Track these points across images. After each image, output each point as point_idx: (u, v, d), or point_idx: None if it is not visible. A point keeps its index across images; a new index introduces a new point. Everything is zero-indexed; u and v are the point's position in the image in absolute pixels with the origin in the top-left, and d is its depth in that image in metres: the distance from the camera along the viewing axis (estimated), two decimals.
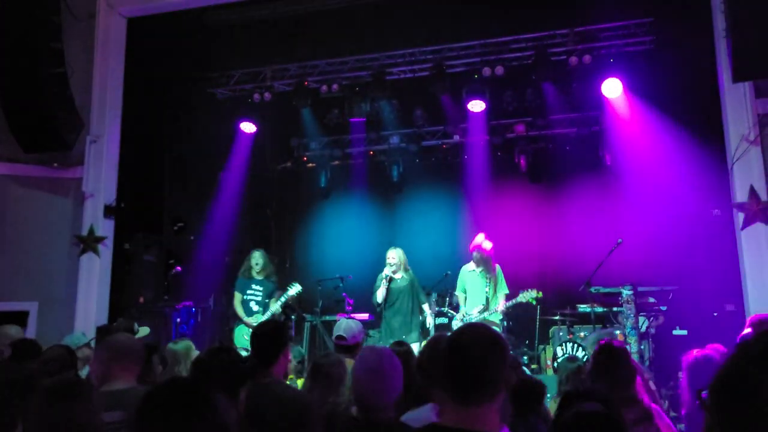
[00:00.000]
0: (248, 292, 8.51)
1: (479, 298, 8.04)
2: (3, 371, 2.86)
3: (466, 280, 8.27)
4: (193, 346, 4.76)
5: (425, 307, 8.48)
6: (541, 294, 7.81)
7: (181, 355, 4.55)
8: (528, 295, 7.83)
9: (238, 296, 8.57)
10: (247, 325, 8.30)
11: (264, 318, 8.14)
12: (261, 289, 8.50)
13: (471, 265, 8.27)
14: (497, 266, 8.18)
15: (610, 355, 3.46)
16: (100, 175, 8.29)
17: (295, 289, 8.35)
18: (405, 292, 8.27)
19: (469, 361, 1.87)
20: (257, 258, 8.55)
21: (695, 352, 3.86)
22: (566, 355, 7.59)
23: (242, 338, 8.30)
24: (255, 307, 8.43)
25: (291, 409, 2.43)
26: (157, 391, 1.50)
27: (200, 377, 3.00)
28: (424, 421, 2.66)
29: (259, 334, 3.49)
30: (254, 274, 8.52)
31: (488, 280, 7.99)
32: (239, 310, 8.49)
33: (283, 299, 8.41)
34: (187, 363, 4.31)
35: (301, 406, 2.47)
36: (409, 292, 8.29)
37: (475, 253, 8.11)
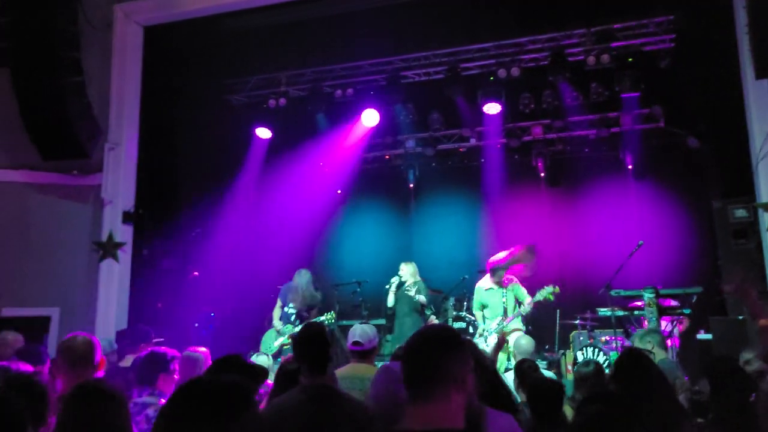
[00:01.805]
0: (290, 305, 8.63)
1: (498, 311, 8.00)
2: (15, 378, 2.87)
3: (483, 298, 8.25)
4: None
5: (432, 318, 8.73)
6: (558, 289, 7.70)
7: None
8: (545, 292, 7.73)
9: (279, 304, 8.73)
10: (278, 332, 8.49)
11: (292, 330, 8.33)
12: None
13: (486, 283, 8.25)
14: (513, 277, 8.16)
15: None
16: (119, 182, 8.34)
17: (327, 317, 8.38)
18: (410, 301, 8.50)
19: (415, 357, 1.88)
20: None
21: None
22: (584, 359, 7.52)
23: (270, 343, 8.44)
24: (292, 318, 8.56)
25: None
26: (194, 386, 1.44)
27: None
28: None
29: (307, 338, 3.42)
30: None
31: (504, 292, 7.98)
32: (275, 316, 8.63)
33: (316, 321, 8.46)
34: None
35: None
36: (413, 301, 8.51)
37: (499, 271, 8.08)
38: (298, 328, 8.33)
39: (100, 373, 3.36)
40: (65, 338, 3.42)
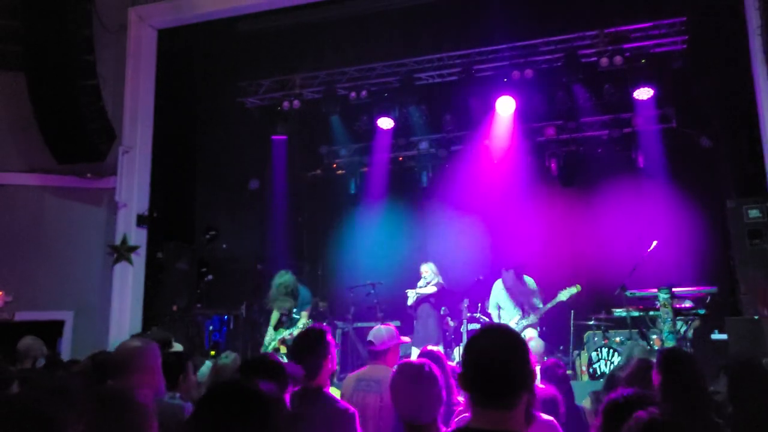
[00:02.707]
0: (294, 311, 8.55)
1: (514, 311, 8.04)
2: (46, 379, 2.90)
3: (499, 296, 8.27)
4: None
5: (448, 320, 8.78)
6: (580, 287, 7.69)
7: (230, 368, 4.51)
8: (567, 293, 7.75)
9: (275, 312, 8.58)
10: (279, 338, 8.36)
11: (288, 332, 8.12)
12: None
13: (501, 283, 8.36)
14: (529, 278, 8.16)
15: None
16: (133, 185, 8.41)
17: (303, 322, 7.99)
18: (429, 301, 8.50)
19: (492, 361, 1.86)
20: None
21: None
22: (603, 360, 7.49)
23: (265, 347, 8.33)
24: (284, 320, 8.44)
25: None
26: (221, 390, 1.46)
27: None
28: None
29: (299, 342, 3.47)
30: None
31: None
32: (273, 319, 8.50)
33: (301, 324, 8.03)
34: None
35: None
36: (433, 300, 8.52)
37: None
38: (288, 333, 8.09)
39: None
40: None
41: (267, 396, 1.43)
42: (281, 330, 8.11)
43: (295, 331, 7.72)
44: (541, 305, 8.00)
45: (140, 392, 2.53)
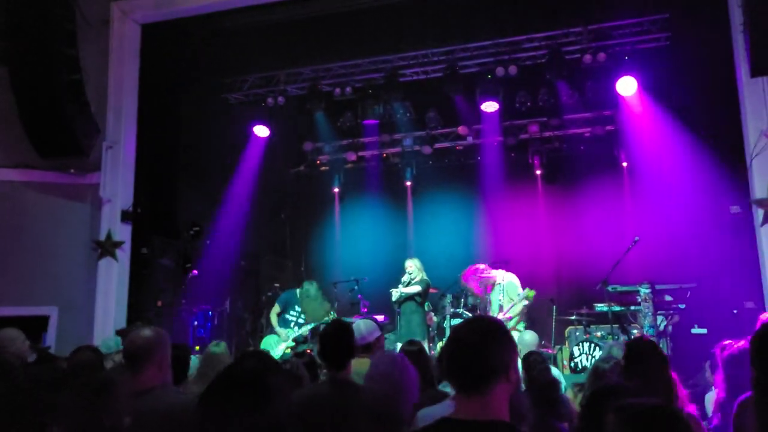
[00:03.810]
0: (291, 312, 8.70)
1: (494, 307, 8.07)
2: (33, 371, 2.88)
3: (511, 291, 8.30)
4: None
5: (431, 315, 8.84)
6: (534, 292, 7.75)
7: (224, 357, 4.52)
8: (525, 296, 7.77)
9: (276, 308, 8.80)
10: (280, 336, 8.58)
11: (295, 334, 8.50)
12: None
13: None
14: (511, 275, 8.18)
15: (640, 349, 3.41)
16: (117, 181, 8.34)
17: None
18: (413, 297, 8.52)
19: (466, 347, 1.88)
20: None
21: (730, 344, 3.74)
22: (584, 355, 7.58)
23: (271, 347, 8.46)
24: (291, 324, 8.66)
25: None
26: (224, 378, 1.48)
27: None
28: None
29: (330, 334, 3.50)
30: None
31: (500, 288, 8.04)
32: (273, 321, 8.74)
33: (312, 325, 8.54)
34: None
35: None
36: (417, 297, 8.54)
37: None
38: (298, 333, 8.43)
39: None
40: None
41: (274, 385, 1.45)
42: (290, 330, 8.53)
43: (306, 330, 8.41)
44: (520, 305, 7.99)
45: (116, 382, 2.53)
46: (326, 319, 8.42)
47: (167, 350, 2.89)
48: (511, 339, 1.94)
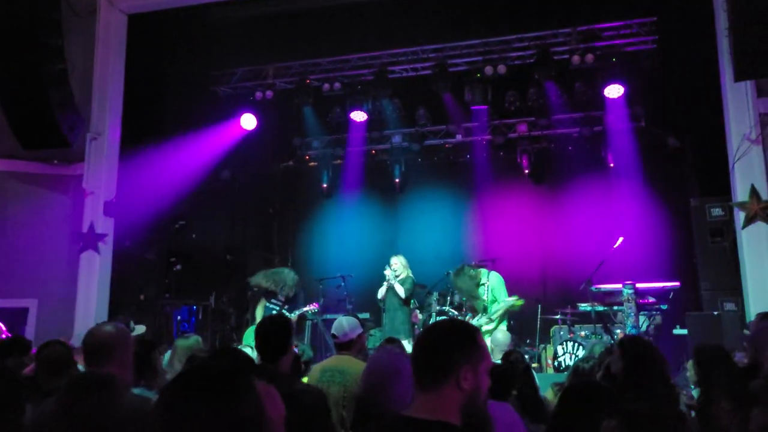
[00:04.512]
0: (273, 300, 8.73)
1: (479, 307, 8.06)
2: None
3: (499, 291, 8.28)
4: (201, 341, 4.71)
5: (416, 312, 8.83)
6: (523, 301, 7.77)
7: (194, 350, 4.46)
8: (511, 303, 7.78)
9: (262, 301, 8.79)
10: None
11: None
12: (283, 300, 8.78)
13: None
14: (496, 274, 8.16)
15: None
16: (101, 172, 8.29)
17: (310, 310, 8.61)
18: (395, 292, 8.43)
19: (422, 346, 1.92)
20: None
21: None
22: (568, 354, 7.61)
23: (253, 338, 8.42)
24: (274, 313, 8.61)
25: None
26: (190, 374, 1.43)
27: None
28: None
29: (262, 328, 3.50)
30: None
31: (485, 290, 8.01)
32: (258, 314, 8.72)
33: (297, 312, 8.58)
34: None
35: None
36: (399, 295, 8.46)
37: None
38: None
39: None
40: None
41: (240, 379, 1.40)
42: None
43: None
44: (491, 308, 7.99)
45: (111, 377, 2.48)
46: (311, 311, 8.52)
47: (129, 349, 2.82)
48: (469, 343, 1.90)
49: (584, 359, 4.66)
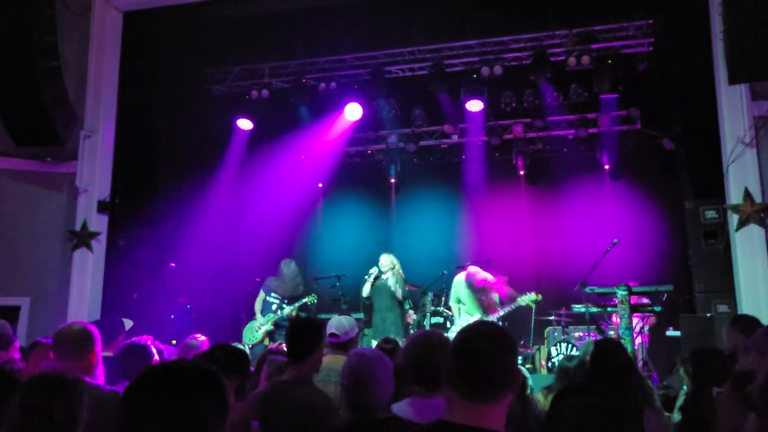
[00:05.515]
0: (272, 294, 8.82)
1: (476, 307, 8.04)
2: None
3: (460, 292, 8.26)
4: None
5: (410, 313, 8.95)
6: (540, 297, 7.79)
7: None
8: (527, 299, 7.79)
9: (261, 295, 8.86)
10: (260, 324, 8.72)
11: (275, 318, 8.66)
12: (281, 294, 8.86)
13: (463, 278, 8.30)
14: (461, 276, 8.19)
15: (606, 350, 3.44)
16: (94, 170, 8.25)
17: (309, 299, 8.76)
18: (391, 295, 8.46)
19: (478, 357, 1.85)
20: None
21: None
22: (561, 355, 7.61)
23: (252, 332, 8.68)
24: (274, 308, 8.75)
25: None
26: (155, 369, 1.43)
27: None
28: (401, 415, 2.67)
29: (293, 328, 3.55)
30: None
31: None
32: (257, 308, 8.80)
33: (297, 304, 8.73)
34: None
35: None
36: (393, 295, 8.50)
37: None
38: (280, 315, 8.65)
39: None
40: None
41: (204, 379, 1.38)
42: (270, 315, 8.65)
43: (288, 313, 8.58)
44: (499, 306, 8.01)
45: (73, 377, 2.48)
46: (310, 299, 8.68)
47: (97, 347, 2.85)
48: (516, 349, 1.94)
49: (568, 358, 4.67)
